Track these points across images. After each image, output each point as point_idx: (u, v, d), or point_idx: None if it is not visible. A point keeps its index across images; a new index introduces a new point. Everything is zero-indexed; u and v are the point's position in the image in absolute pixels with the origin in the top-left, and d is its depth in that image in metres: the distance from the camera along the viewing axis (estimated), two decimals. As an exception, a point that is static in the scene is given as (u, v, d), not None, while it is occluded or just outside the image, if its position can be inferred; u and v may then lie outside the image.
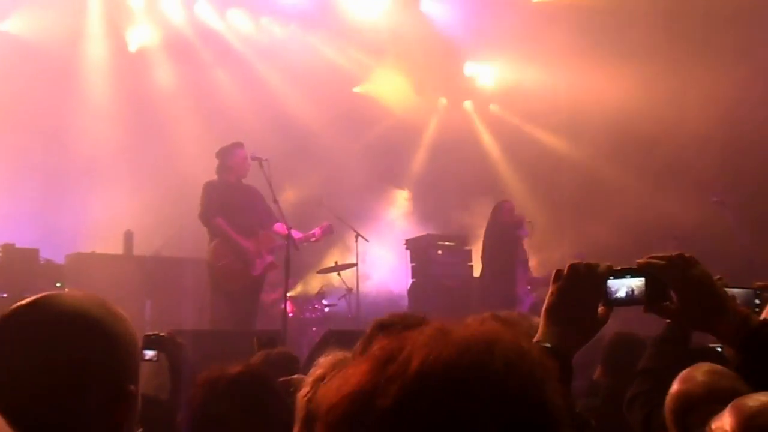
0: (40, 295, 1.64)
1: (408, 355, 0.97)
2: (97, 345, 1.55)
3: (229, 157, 8.37)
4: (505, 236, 9.66)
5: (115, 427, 1.56)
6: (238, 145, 8.47)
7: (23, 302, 1.61)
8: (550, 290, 1.74)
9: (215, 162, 8.46)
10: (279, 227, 8.38)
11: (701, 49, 10.61)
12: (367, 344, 2.39)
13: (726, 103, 10.41)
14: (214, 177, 8.41)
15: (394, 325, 2.39)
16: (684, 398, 2.56)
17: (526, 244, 10.13)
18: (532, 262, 10.18)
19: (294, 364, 4.15)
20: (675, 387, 2.63)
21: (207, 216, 8.18)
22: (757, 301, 2.16)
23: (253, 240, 8.30)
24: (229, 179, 8.38)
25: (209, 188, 8.30)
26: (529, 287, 9.67)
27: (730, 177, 10.42)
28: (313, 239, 8.57)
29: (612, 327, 4.19)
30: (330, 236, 8.99)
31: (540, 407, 0.97)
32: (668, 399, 2.62)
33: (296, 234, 8.20)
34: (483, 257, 9.92)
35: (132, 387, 1.59)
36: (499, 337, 0.99)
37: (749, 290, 2.21)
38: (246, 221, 8.27)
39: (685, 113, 10.68)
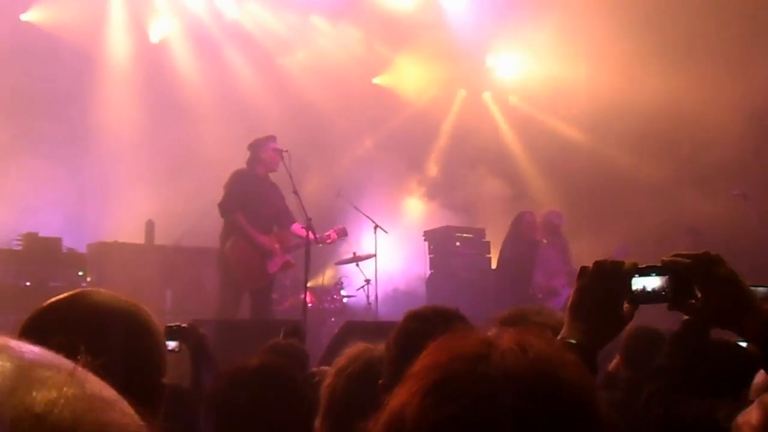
0: (74, 291, 1.68)
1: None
2: (130, 340, 1.59)
3: (261, 149, 8.36)
4: (520, 252, 9.68)
5: (149, 420, 1.59)
6: (272, 139, 8.47)
7: (59, 297, 1.66)
8: (575, 287, 1.75)
9: (236, 152, 8.50)
10: (296, 227, 8.41)
11: (725, 43, 10.52)
12: (401, 336, 2.42)
13: (748, 96, 10.33)
14: (242, 167, 8.42)
15: (428, 318, 2.41)
16: None
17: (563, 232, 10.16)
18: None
19: (302, 357, 4.15)
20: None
21: (227, 208, 8.16)
22: None
23: (270, 237, 8.31)
24: (258, 172, 8.39)
25: (237, 178, 8.28)
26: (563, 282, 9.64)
27: (752, 170, 10.35)
28: (329, 241, 8.58)
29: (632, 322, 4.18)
30: (344, 239, 8.95)
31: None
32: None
33: (303, 233, 8.21)
34: (498, 266, 9.96)
35: (163, 380, 1.64)
36: (564, 361, 1.03)
37: (767, 287, 2.22)
38: (266, 217, 8.28)
39: (706, 106, 10.61)
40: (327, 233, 8.53)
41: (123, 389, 1.48)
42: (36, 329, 1.60)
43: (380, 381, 2.43)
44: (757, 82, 10.28)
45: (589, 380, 1.06)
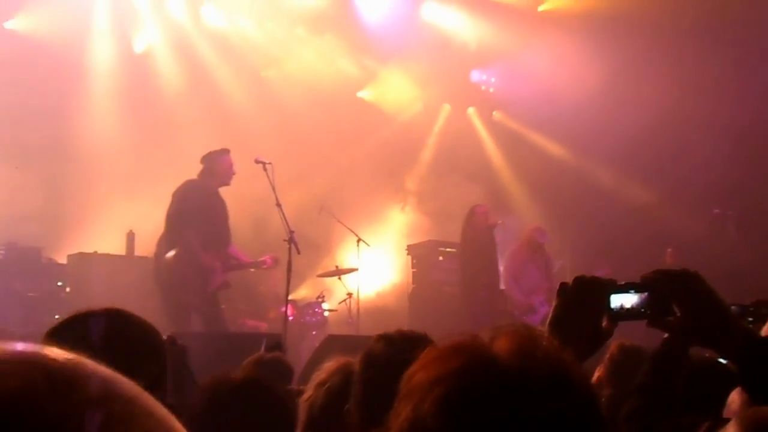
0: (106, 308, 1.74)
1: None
2: (155, 360, 1.60)
3: (216, 162, 8.29)
4: (482, 239, 9.76)
5: None
6: (226, 152, 8.40)
7: (80, 312, 1.74)
8: (555, 302, 1.75)
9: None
10: (233, 251, 8.49)
11: (708, 61, 10.63)
12: (368, 358, 2.41)
13: (733, 116, 10.44)
14: (194, 177, 8.32)
15: (395, 343, 2.41)
16: None
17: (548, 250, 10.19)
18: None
19: (286, 372, 4.14)
20: None
21: (178, 223, 7.98)
22: (750, 319, 2.18)
23: (213, 254, 8.19)
24: (210, 185, 8.28)
25: (189, 191, 8.12)
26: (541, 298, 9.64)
27: (733, 190, 10.43)
28: (264, 267, 8.73)
29: (614, 337, 4.20)
30: (275, 267, 8.87)
31: None
32: None
33: (244, 258, 8.47)
34: (461, 262, 9.99)
35: (169, 400, 1.63)
36: (569, 359, 1.05)
37: (743, 306, 2.22)
38: (211, 234, 8.14)
39: (691, 125, 10.70)
40: (262, 259, 8.58)
41: None
42: (61, 339, 1.61)
43: (346, 406, 2.42)
44: (742, 103, 10.39)
45: (589, 377, 1.08)
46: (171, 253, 7.95)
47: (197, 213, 7.98)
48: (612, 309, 1.73)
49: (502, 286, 10.38)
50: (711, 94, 10.54)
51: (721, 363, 3.13)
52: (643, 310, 1.73)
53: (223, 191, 9.12)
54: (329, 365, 2.79)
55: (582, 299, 1.71)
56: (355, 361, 2.75)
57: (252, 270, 8.59)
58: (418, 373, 1.03)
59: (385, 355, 2.36)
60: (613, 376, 4.48)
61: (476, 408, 0.97)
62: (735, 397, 2.41)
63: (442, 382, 0.99)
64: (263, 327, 9.92)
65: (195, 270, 7.98)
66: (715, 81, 10.59)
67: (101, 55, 11.30)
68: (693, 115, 10.63)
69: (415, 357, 1.10)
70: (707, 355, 3.26)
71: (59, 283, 8.94)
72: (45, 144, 10.29)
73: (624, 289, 1.74)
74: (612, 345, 4.49)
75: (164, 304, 7.99)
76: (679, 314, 1.69)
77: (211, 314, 8.10)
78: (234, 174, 8.25)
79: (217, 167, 8.28)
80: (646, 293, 1.72)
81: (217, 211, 8.29)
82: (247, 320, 10.02)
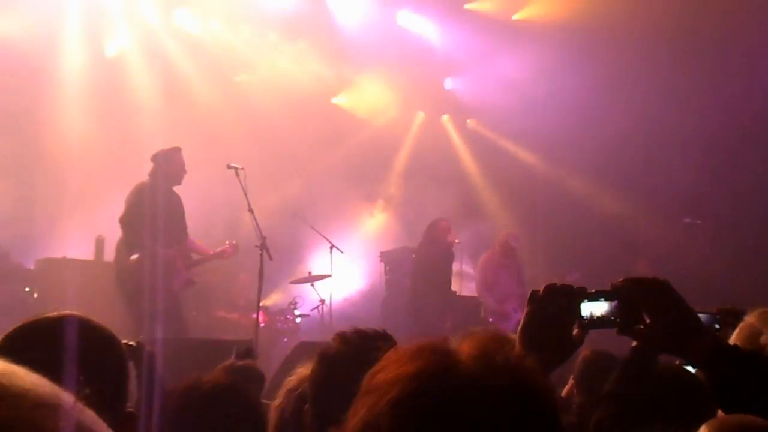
0: (57, 314, 1.65)
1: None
2: (109, 367, 1.59)
3: (168, 162, 8.16)
4: (440, 255, 9.81)
5: None
6: (178, 150, 8.31)
7: (38, 318, 1.64)
8: (525, 310, 1.74)
9: (192, 170, 8.40)
10: (191, 243, 8.47)
11: (681, 73, 10.74)
12: (323, 356, 2.39)
13: (703, 127, 10.55)
14: (145, 179, 8.16)
15: (353, 341, 2.38)
16: None
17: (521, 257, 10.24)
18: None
19: (258, 379, 4.10)
20: None
21: (133, 227, 7.84)
22: (717, 326, 2.19)
23: (173, 251, 8.10)
24: (162, 184, 8.09)
25: (141, 193, 7.96)
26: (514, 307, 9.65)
27: (703, 199, 10.55)
28: (226, 256, 8.70)
29: (586, 345, 4.21)
30: (237, 254, 8.90)
31: None
32: None
33: (205, 249, 8.56)
34: (413, 272, 10.02)
35: (131, 408, 1.65)
36: (529, 367, 1.05)
37: (709, 315, 2.23)
38: (170, 231, 7.98)
39: (662, 135, 10.82)
40: (221, 249, 8.59)
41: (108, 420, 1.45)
42: (13, 347, 1.57)
43: (305, 406, 2.39)
44: (714, 113, 10.51)
45: (551, 385, 1.08)
46: (133, 257, 7.82)
47: (152, 213, 7.78)
48: (582, 317, 1.72)
49: (474, 293, 10.40)
50: (683, 104, 10.67)
51: (689, 371, 3.15)
52: (613, 318, 1.72)
53: (196, 197, 9.15)
54: (300, 371, 2.77)
55: (552, 307, 1.71)
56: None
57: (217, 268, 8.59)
58: (378, 374, 1.03)
59: (340, 353, 2.35)
60: (583, 384, 4.49)
61: (429, 411, 0.96)
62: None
63: (398, 384, 0.99)
64: (235, 318, 9.95)
65: (156, 271, 7.76)
66: (688, 92, 10.71)
67: (72, 59, 11.15)
68: (665, 125, 10.75)
69: (373, 356, 1.08)
70: (677, 362, 3.28)
71: (27, 289, 8.82)
72: (14, 148, 10.15)
73: (594, 297, 1.73)
74: (583, 352, 4.51)
75: (129, 309, 7.86)
76: (648, 322, 1.69)
77: (174, 317, 7.91)
78: (185, 172, 8.19)
79: (169, 166, 8.14)
80: (615, 301, 1.72)
81: (173, 209, 8.14)
82: (221, 312, 10.07)
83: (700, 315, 2.08)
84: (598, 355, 4.46)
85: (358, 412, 1.01)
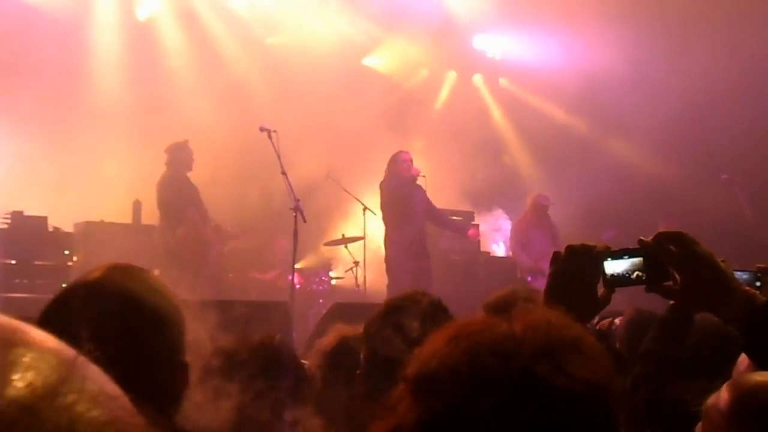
0: (99, 272, 1.70)
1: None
2: (151, 324, 1.63)
3: (182, 151, 9.11)
4: (403, 189, 9.24)
5: (175, 397, 1.68)
6: (187, 142, 9.23)
7: (87, 278, 1.69)
8: (549, 272, 1.74)
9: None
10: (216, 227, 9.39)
11: (721, 23, 10.50)
12: (376, 324, 2.38)
13: (742, 80, 10.34)
14: (164, 172, 9.09)
15: (406, 309, 2.37)
16: None
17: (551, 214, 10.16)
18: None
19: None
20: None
21: (176, 207, 8.90)
22: (758, 284, 2.14)
23: (209, 229, 9.23)
24: (181, 174, 9.09)
25: (172, 182, 8.99)
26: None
27: (741, 156, 10.36)
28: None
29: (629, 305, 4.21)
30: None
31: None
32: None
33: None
34: (383, 211, 9.52)
35: (185, 359, 1.69)
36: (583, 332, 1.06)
37: (750, 273, 2.19)
38: (201, 212, 9.15)
39: (696, 89, 10.60)
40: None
41: (144, 374, 1.50)
42: (57, 314, 1.62)
43: (358, 371, 2.41)
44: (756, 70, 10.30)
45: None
46: (180, 230, 8.87)
47: (189, 195, 9.01)
48: (607, 276, 1.71)
49: (508, 253, 10.34)
50: (718, 63, 10.43)
51: (729, 327, 3.11)
52: (640, 275, 1.69)
53: (230, 158, 9.96)
54: (329, 335, 2.80)
55: (574, 267, 1.70)
56: (356, 329, 2.76)
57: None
58: (426, 362, 1.01)
59: (394, 322, 2.32)
60: (627, 343, 4.46)
61: (483, 391, 0.95)
62: (743, 359, 2.40)
63: (455, 362, 0.98)
64: (274, 275, 10.15)
65: (201, 243, 8.93)
66: (730, 43, 10.48)
67: (104, 24, 11.21)
68: (702, 84, 10.51)
69: (424, 328, 1.08)
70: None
71: (66, 252, 8.96)
72: (49, 113, 10.25)
73: (618, 255, 1.71)
74: (628, 310, 4.48)
75: (180, 276, 8.15)
76: (678, 279, 1.67)
77: (214, 282, 8.98)
78: (194, 161, 9.21)
79: (183, 155, 9.11)
80: (641, 258, 1.70)
81: (195, 194, 9.17)
82: (257, 274, 10.29)
83: (740, 273, 2.05)
84: (642, 314, 4.43)
85: (403, 401, 1.00)
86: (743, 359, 2.46)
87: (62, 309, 1.63)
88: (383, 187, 9.41)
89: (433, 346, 1.02)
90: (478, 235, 9.79)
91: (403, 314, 2.33)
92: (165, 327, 1.65)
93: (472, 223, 10.02)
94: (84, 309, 1.57)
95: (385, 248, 9.45)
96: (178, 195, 8.95)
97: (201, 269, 8.77)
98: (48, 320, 1.60)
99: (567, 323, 1.04)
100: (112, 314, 1.58)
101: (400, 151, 9.57)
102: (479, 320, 1.06)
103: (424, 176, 9.49)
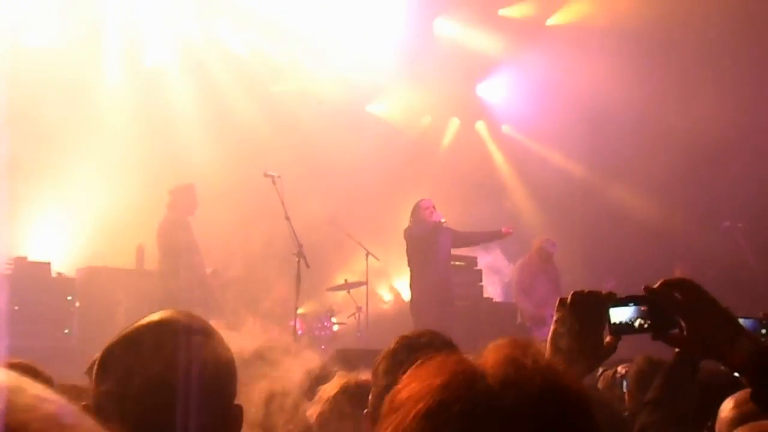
0: (156, 316, 1.72)
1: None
2: (206, 368, 1.63)
3: (186, 195, 9.10)
4: (426, 236, 9.24)
5: None
6: (191, 186, 9.22)
7: (145, 321, 1.69)
8: (554, 317, 1.73)
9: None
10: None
11: (726, 70, 10.59)
12: (390, 364, 2.37)
13: (743, 127, 10.40)
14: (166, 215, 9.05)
15: (419, 347, 2.35)
16: None
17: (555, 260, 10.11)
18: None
19: None
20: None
21: (177, 254, 8.78)
22: (764, 331, 2.13)
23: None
24: (182, 217, 9.03)
25: (175, 226, 8.93)
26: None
27: (743, 202, 10.38)
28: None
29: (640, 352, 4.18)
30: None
31: None
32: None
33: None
34: (408, 257, 9.49)
35: (239, 404, 1.70)
36: (561, 369, 1.02)
37: (755, 320, 2.17)
38: (198, 258, 9.05)
39: (699, 137, 10.66)
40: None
41: (203, 416, 1.50)
42: (124, 352, 1.62)
43: (365, 410, 2.39)
44: (750, 120, 10.36)
45: (584, 386, 1.04)
46: (182, 275, 8.78)
47: (183, 241, 8.91)
48: (613, 323, 1.70)
49: (508, 296, 10.29)
50: (720, 111, 10.50)
51: (735, 376, 3.09)
52: (645, 323, 1.68)
53: (234, 203, 9.92)
54: (332, 382, 2.79)
55: (580, 314, 1.69)
56: (361, 375, 2.75)
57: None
58: (401, 391, 1.00)
59: (406, 359, 2.31)
60: (636, 392, 4.42)
61: (459, 421, 0.93)
62: (727, 406, 2.38)
63: (425, 397, 0.96)
64: (273, 326, 10.13)
65: (203, 288, 8.86)
66: (733, 90, 10.55)
67: (112, 70, 11.35)
68: (703, 126, 10.57)
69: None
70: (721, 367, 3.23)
71: (69, 298, 8.95)
72: (54, 158, 10.32)
73: (623, 302, 1.70)
74: (636, 359, 4.45)
75: None
76: (684, 326, 1.66)
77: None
78: (197, 205, 9.16)
79: (185, 199, 9.07)
80: (646, 305, 1.69)
81: (194, 238, 9.10)
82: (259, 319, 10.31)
83: (745, 320, 2.04)
84: (651, 362, 4.39)
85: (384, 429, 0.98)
86: (725, 407, 2.44)
87: (130, 348, 1.63)
88: (407, 234, 9.46)
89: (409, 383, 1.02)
90: (511, 230, 9.76)
91: (414, 351, 2.32)
92: (230, 371, 1.68)
93: (503, 230, 9.87)
94: (156, 350, 1.59)
95: (411, 293, 9.48)
96: (176, 239, 8.87)
97: (205, 315, 8.70)
98: (113, 358, 1.61)
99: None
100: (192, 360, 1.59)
101: (422, 199, 9.63)
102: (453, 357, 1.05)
103: (445, 221, 9.46)
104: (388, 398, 1.02)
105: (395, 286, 11.98)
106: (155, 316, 1.70)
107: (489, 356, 1.01)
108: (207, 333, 1.70)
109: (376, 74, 12.94)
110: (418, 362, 1.05)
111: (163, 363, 1.56)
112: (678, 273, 9.75)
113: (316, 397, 2.85)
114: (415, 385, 1.00)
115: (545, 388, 0.96)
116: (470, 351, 1.08)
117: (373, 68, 12.82)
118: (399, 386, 1.02)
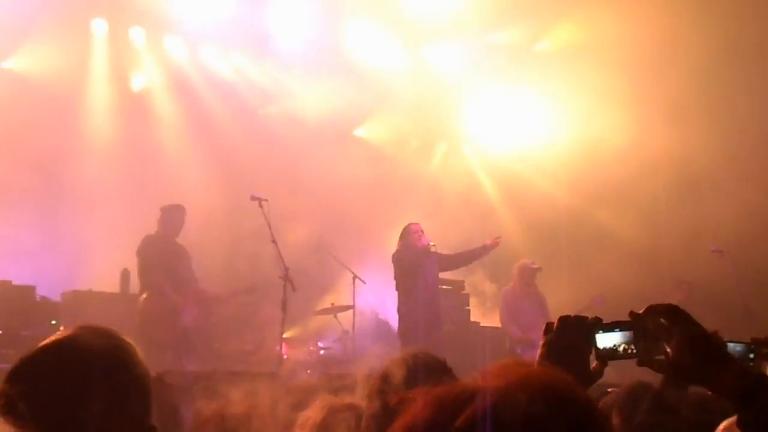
0: (59, 336, 1.73)
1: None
2: (115, 387, 1.65)
3: (174, 216, 9.17)
4: (415, 260, 9.26)
5: None
6: (182, 207, 9.30)
7: (47, 343, 1.72)
8: (541, 342, 1.73)
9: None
10: (202, 291, 9.28)
11: (709, 94, 10.67)
12: (384, 387, 2.35)
13: (730, 152, 10.47)
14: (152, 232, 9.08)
15: (412, 368, 2.34)
16: None
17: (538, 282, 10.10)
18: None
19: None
20: None
21: (146, 271, 8.87)
22: (752, 356, 2.12)
23: (184, 292, 8.99)
24: (168, 235, 9.13)
25: (150, 244, 8.99)
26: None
27: (729, 227, 10.41)
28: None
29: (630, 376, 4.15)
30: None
31: None
32: None
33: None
34: (396, 281, 9.47)
35: (152, 424, 1.72)
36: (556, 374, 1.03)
37: (743, 344, 2.17)
38: (178, 275, 9.01)
39: (686, 161, 10.73)
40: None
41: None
42: (17, 381, 1.64)
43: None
44: (744, 137, 10.44)
45: (587, 394, 1.04)
46: (143, 296, 8.83)
47: (162, 259, 8.90)
48: (599, 349, 1.69)
49: (498, 324, 10.28)
50: (714, 129, 10.57)
51: (722, 401, 3.07)
52: (631, 348, 1.68)
53: (220, 226, 9.94)
54: (315, 407, 2.75)
55: (566, 339, 1.69)
56: (343, 399, 2.72)
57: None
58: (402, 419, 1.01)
59: (401, 380, 2.30)
60: (624, 416, 4.39)
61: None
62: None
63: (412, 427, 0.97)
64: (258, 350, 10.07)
65: (165, 308, 8.79)
66: (719, 116, 10.63)
67: (98, 93, 11.33)
68: (690, 150, 10.64)
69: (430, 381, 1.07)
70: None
71: (53, 322, 8.85)
72: (39, 182, 10.26)
73: (609, 327, 1.70)
74: (625, 383, 4.43)
75: (138, 342, 8.00)
76: (669, 352, 1.65)
77: (183, 350, 8.79)
78: (182, 227, 9.26)
79: (171, 219, 9.18)
80: (632, 331, 1.68)
81: (180, 256, 9.13)
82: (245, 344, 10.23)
83: (733, 345, 2.03)
84: (642, 386, 4.37)
85: None
86: (721, 428, 2.42)
87: (34, 366, 1.62)
88: (395, 258, 9.45)
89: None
90: (498, 241, 9.77)
91: (410, 372, 2.31)
92: (140, 387, 1.69)
93: (488, 243, 9.88)
94: (58, 367, 1.58)
95: (398, 317, 9.45)
96: (149, 257, 8.91)
97: (167, 338, 8.64)
98: (18, 377, 1.60)
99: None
100: (89, 373, 1.58)
101: (411, 223, 9.63)
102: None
103: (434, 245, 9.44)
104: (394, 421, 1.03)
105: (382, 310, 11.92)
106: (59, 335, 1.73)
107: (487, 375, 1.01)
108: (109, 354, 1.68)
109: (364, 98, 12.98)
110: (425, 389, 1.05)
111: (64, 383, 1.57)
112: (678, 296, 9.76)
113: (299, 423, 2.81)
114: (414, 413, 1.01)
115: (547, 395, 0.98)
116: (463, 375, 1.07)
117: (361, 92, 12.85)
118: (399, 422, 1.02)
